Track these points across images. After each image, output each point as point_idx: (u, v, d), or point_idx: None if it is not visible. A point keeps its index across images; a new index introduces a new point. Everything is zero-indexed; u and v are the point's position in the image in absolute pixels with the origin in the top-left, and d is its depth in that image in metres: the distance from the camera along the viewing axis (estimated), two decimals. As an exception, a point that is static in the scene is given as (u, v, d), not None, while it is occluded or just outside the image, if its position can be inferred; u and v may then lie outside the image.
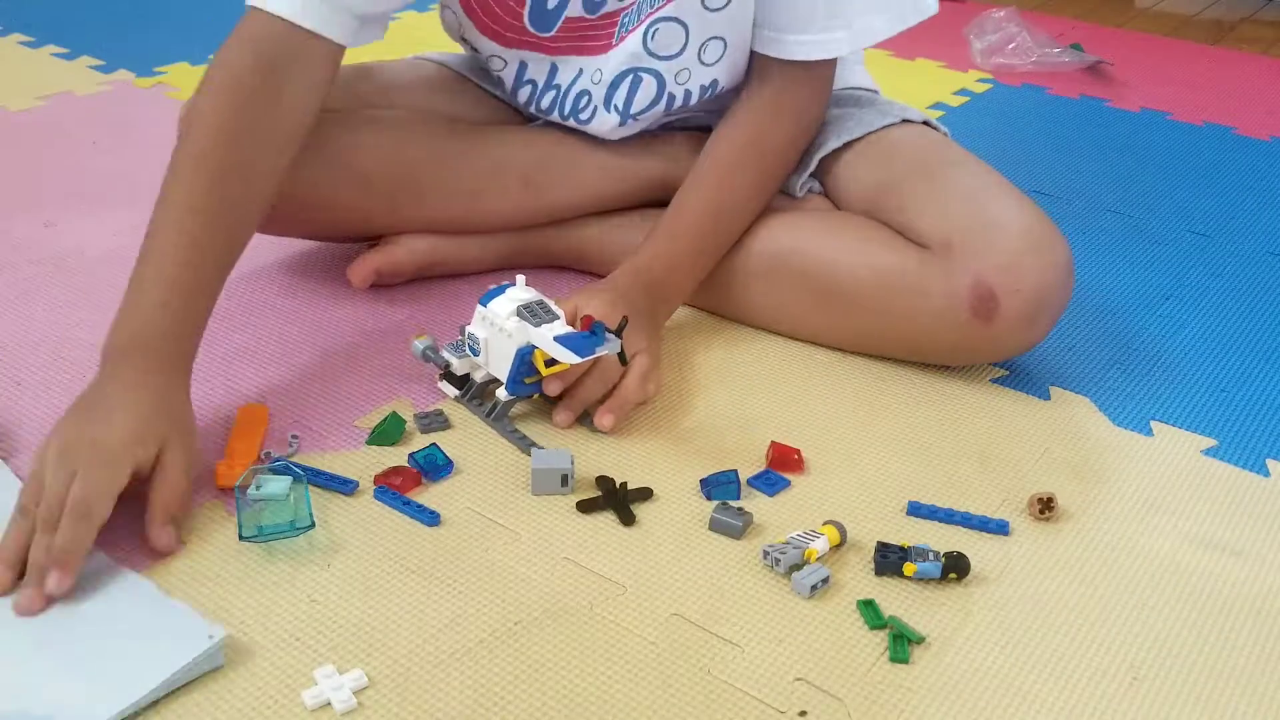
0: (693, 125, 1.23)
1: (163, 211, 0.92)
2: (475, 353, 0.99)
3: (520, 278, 0.98)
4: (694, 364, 1.10)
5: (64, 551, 0.77)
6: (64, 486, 0.79)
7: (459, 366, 1.01)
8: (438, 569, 0.84)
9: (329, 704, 0.72)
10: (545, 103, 1.17)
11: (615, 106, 1.14)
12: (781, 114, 1.11)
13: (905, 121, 1.16)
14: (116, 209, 1.35)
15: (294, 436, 0.95)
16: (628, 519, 0.88)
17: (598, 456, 0.96)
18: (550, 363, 0.94)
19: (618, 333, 0.95)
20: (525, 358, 0.95)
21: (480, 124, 1.21)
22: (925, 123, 1.17)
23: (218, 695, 0.73)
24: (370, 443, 0.96)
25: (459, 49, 1.27)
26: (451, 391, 1.03)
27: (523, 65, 1.16)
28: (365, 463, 0.94)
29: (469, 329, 0.99)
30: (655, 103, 1.13)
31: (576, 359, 0.91)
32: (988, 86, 1.93)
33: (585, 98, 1.15)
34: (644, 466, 0.95)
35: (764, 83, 1.11)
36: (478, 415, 1.00)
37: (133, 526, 0.83)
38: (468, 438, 0.98)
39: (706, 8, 1.08)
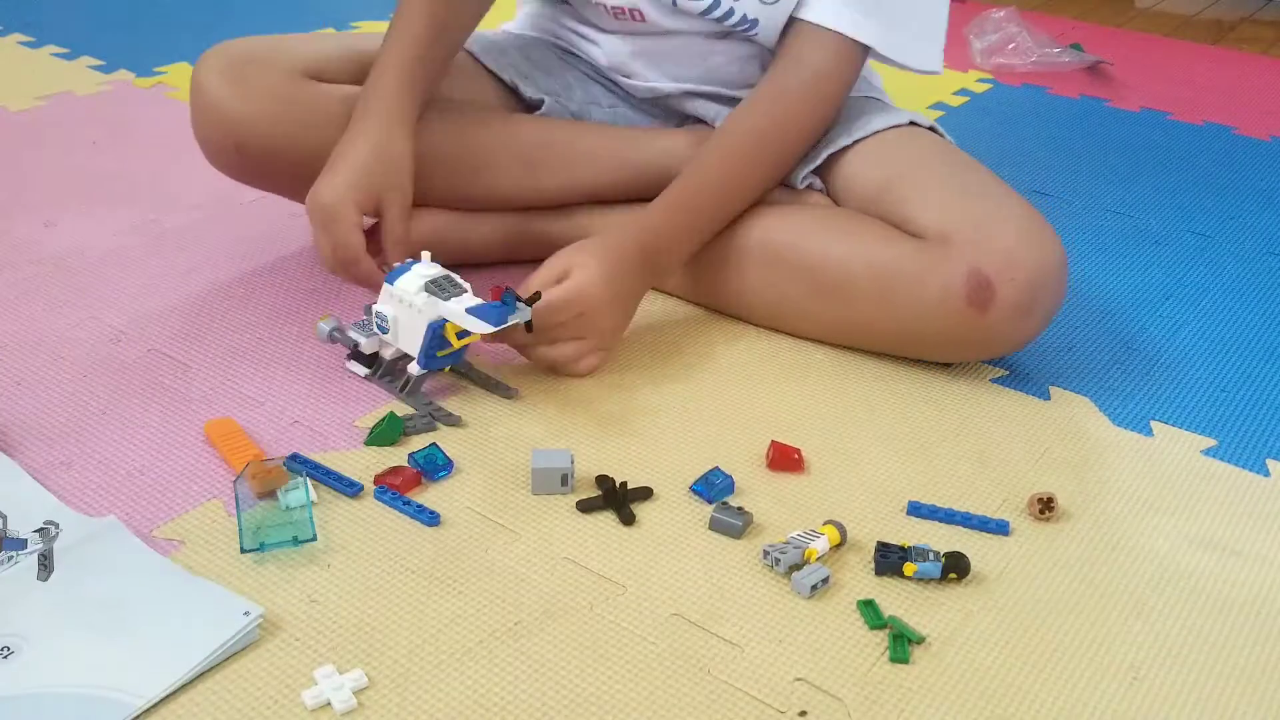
0: (693, 118, 1.24)
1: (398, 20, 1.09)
2: (384, 330, 1.01)
3: (425, 254, 1.01)
4: (693, 363, 1.10)
5: (358, 276, 1.05)
6: (327, 246, 1.04)
7: (367, 345, 1.03)
8: (438, 569, 0.84)
9: (329, 704, 0.72)
10: None
11: None
12: (805, 104, 1.12)
13: (912, 124, 1.16)
14: (116, 209, 1.35)
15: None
16: (628, 518, 0.88)
17: (598, 456, 0.96)
18: (462, 334, 0.97)
19: (529, 302, 0.97)
20: (437, 331, 0.98)
21: (484, 107, 1.22)
22: (931, 128, 1.18)
23: (218, 695, 0.73)
24: (368, 443, 0.96)
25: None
26: (361, 370, 1.04)
27: None
28: (364, 463, 0.94)
29: (376, 307, 1.01)
30: None
31: (490, 329, 0.94)
32: (988, 86, 1.93)
33: None
34: (644, 466, 0.95)
35: (790, 71, 1.12)
36: (390, 392, 1.02)
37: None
38: (468, 438, 0.98)
39: None
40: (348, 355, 1.06)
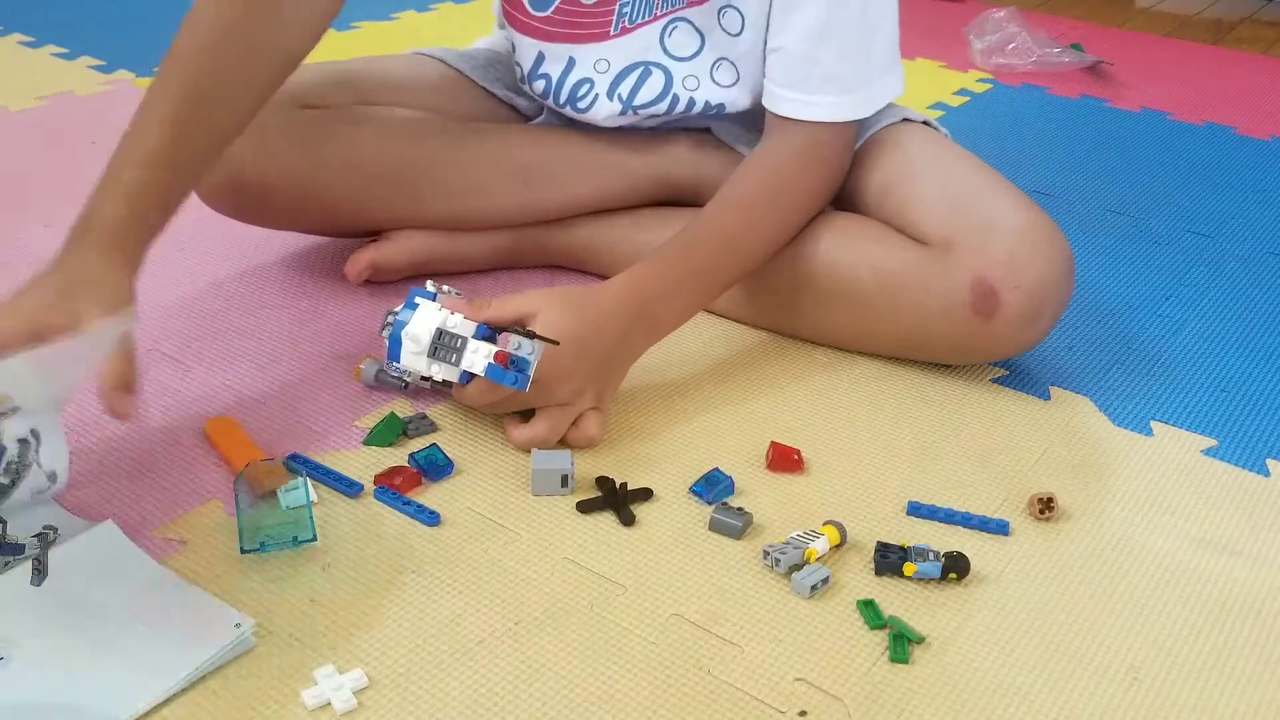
0: (693, 126, 1.23)
1: (143, 109, 0.91)
2: (407, 385, 1.01)
3: (430, 293, 0.94)
4: (694, 364, 1.10)
5: None
6: None
7: (409, 384, 1.01)
8: (438, 569, 0.84)
9: (329, 704, 0.72)
10: (539, 88, 1.17)
11: (619, 96, 1.14)
12: (809, 166, 1.08)
13: (905, 121, 1.16)
14: (116, 209, 1.35)
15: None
16: (628, 519, 0.88)
17: (598, 457, 0.96)
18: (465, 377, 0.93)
19: (531, 335, 0.90)
20: (469, 379, 0.93)
21: (479, 121, 1.21)
22: (925, 123, 1.17)
23: (218, 695, 0.73)
24: (367, 443, 0.96)
25: (459, 45, 1.27)
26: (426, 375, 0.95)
27: (512, 47, 1.17)
28: (364, 463, 0.94)
29: (400, 365, 0.94)
30: (659, 99, 1.13)
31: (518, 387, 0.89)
32: (988, 86, 1.93)
33: (586, 85, 1.14)
34: (644, 467, 0.95)
35: (794, 132, 1.08)
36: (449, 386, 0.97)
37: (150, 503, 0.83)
38: (467, 439, 0.98)
39: (723, 28, 1.08)
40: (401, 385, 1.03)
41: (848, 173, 1.13)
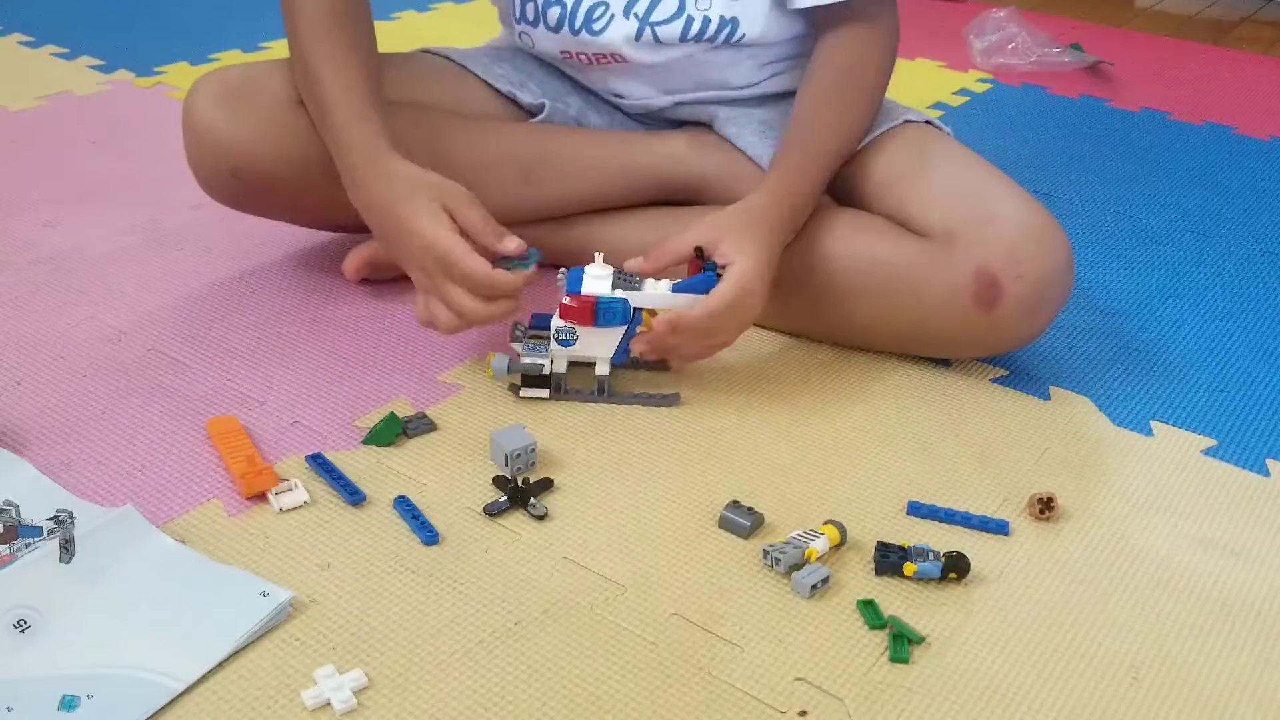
0: (692, 121, 1.24)
1: (311, 71, 1.04)
2: (568, 344, 1.01)
3: (599, 255, 1.02)
4: (694, 364, 1.09)
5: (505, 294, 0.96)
6: (463, 295, 0.96)
7: (546, 366, 1.02)
8: (438, 569, 0.84)
9: (329, 704, 0.72)
10: (552, 19, 1.16)
11: (635, 14, 1.13)
12: (875, 41, 1.12)
13: (907, 122, 1.16)
14: (116, 209, 1.36)
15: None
16: (539, 513, 0.88)
17: (597, 458, 0.96)
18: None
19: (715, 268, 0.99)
20: (637, 323, 1.00)
21: (481, 117, 1.21)
22: (928, 122, 1.17)
23: (218, 695, 0.73)
24: (367, 442, 0.96)
25: (461, 44, 1.26)
26: (542, 394, 1.03)
27: None
28: (363, 463, 0.94)
29: (556, 323, 1.00)
30: (674, 18, 1.13)
31: (701, 298, 0.97)
32: (988, 86, 1.93)
33: (601, 7, 1.14)
34: (643, 467, 0.95)
35: (847, 20, 1.12)
36: (587, 402, 1.03)
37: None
38: (469, 438, 0.98)
39: None
40: (516, 385, 1.04)
41: (850, 170, 1.13)
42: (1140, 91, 1.93)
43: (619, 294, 0.99)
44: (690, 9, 1.12)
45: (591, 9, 1.14)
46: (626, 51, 1.15)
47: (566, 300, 0.99)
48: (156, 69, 1.81)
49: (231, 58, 1.85)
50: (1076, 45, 2.05)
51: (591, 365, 1.03)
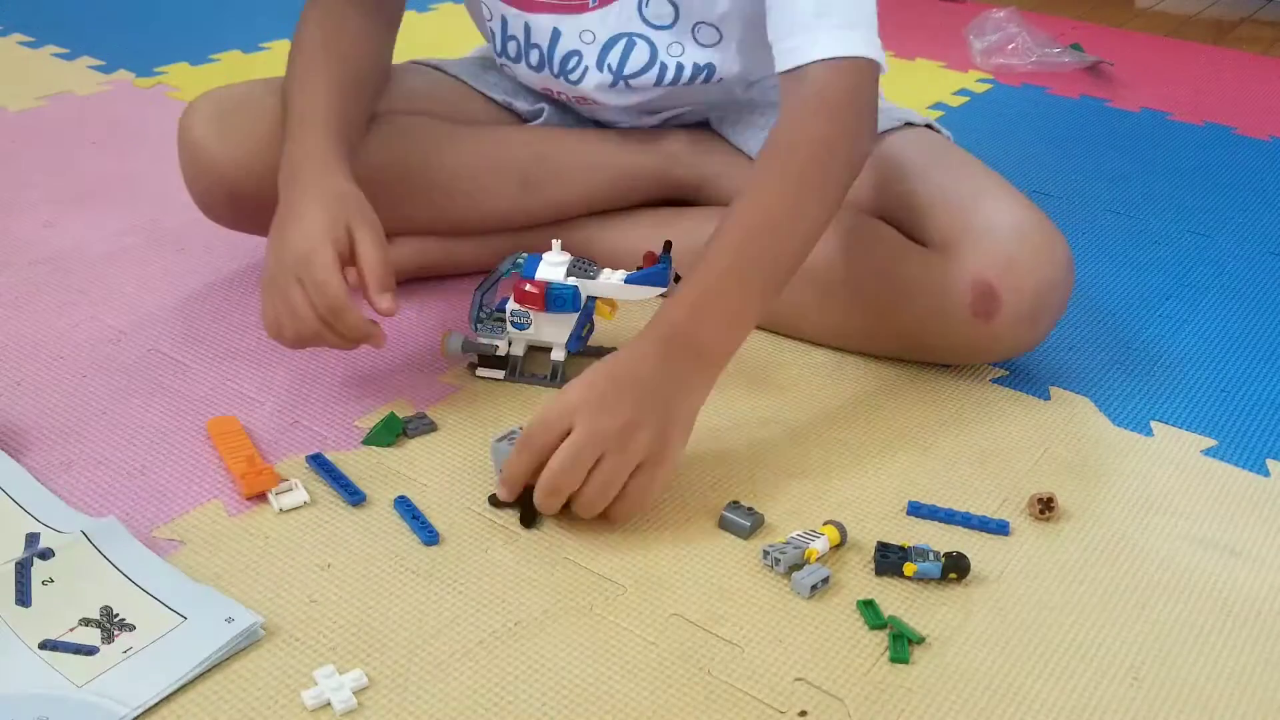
0: (691, 122, 1.23)
1: (294, 78, 1.04)
2: (523, 327, 1.03)
3: (556, 242, 1.03)
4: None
5: (344, 328, 0.92)
6: (303, 300, 0.91)
7: (502, 347, 1.05)
8: (438, 569, 0.84)
9: (329, 704, 0.72)
10: (533, 60, 1.16)
11: (608, 66, 1.13)
12: (819, 112, 0.95)
13: (908, 125, 1.16)
14: (116, 209, 1.36)
15: None
16: (528, 520, 0.88)
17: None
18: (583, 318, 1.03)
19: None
20: (590, 312, 1.03)
21: (479, 124, 1.21)
22: (928, 125, 1.17)
23: (218, 695, 0.73)
24: (366, 443, 0.96)
25: (459, 47, 1.26)
26: (497, 374, 1.06)
27: (504, 20, 1.16)
28: (363, 463, 0.94)
29: (511, 306, 1.03)
30: (647, 69, 1.13)
31: (661, 289, 1.00)
32: (988, 86, 1.93)
33: (575, 58, 1.13)
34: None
35: (809, 85, 0.96)
36: (540, 385, 1.04)
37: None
38: (468, 438, 0.98)
39: None
40: (471, 365, 1.06)
41: None
42: (1140, 91, 1.93)
43: (571, 281, 1.00)
44: (663, 56, 1.12)
45: (566, 59, 1.14)
46: (601, 98, 1.15)
47: (524, 285, 1.01)
48: (157, 69, 1.81)
49: (231, 58, 1.85)
50: (1076, 45, 2.05)
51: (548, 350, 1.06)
